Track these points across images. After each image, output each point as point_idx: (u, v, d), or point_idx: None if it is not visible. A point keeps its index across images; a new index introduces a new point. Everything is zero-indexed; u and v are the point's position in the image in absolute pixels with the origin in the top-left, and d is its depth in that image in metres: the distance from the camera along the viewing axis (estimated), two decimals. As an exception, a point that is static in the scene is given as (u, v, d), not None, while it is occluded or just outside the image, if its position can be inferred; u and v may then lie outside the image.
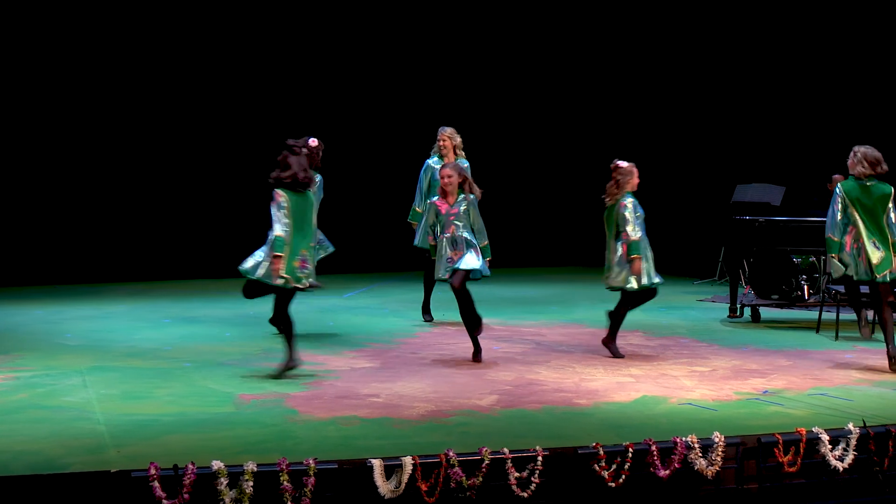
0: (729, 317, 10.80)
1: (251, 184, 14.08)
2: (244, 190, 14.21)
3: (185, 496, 5.34)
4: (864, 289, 8.63)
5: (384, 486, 5.62)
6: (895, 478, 6.38)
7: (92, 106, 13.57)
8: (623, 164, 8.64)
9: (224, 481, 5.40)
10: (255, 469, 5.45)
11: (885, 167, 8.41)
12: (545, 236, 15.37)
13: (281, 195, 7.82)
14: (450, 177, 8.53)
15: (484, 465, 5.73)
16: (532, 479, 5.80)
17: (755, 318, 10.78)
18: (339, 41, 14.48)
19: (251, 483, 5.42)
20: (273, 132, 14.15)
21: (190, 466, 5.40)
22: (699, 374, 8.04)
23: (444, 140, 10.12)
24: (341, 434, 6.27)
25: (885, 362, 8.34)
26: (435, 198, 8.67)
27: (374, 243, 14.97)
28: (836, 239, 8.37)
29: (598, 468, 5.89)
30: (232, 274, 13.89)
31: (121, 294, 12.29)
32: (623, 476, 5.91)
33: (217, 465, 5.43)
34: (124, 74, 13.64)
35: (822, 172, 12.95)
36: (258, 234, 14.10)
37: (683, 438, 6.04)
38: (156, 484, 5.33)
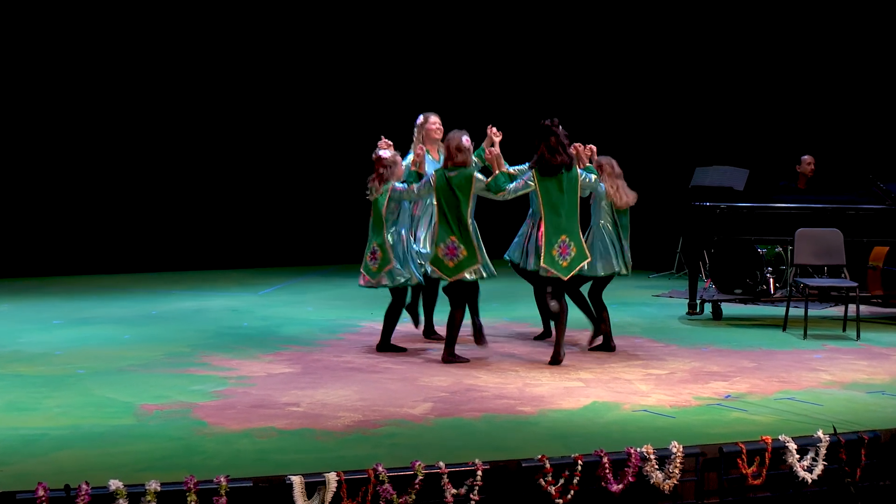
0: (688, 314, 10.93)
1: (148, 174, 14.19)
2: (141, 180, 14.19)
3: (79, 520, 5.28)
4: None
5: (305, 506, 5.61)
6: (868, 489, 6.50)
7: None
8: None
9: (123, 502, 5.35)
10: (159, 488, 5.41)
11: None
12: (482, 226, 15.46)
13: None
14: None
15: (417, 480, 5.74)
16: (471, 495, 5.83)
17: (716, 315, 10.92)
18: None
19: (154, 504, 5.38)
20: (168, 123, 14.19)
21: (84, 486, 5.34)
22: (655, 378, 8.13)
23: None
24: (256, 448, 6.24)
25: (857, 363, 8.52)
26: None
27: (293, 234, 14.94)
28: None
29: (543, 483, 5.93)
30: (130, 269, 13.93)
31: (3, 292, 12.10)
32: (571, 491, 5.95)
33: (115, 484, 5.38)
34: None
35: (790, 154, 13.15)
36: (157, 225, 14.15)
37: (638, 449, 6.10)
38: (45, 507, 5.26)
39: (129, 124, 14.22)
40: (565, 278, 8.61)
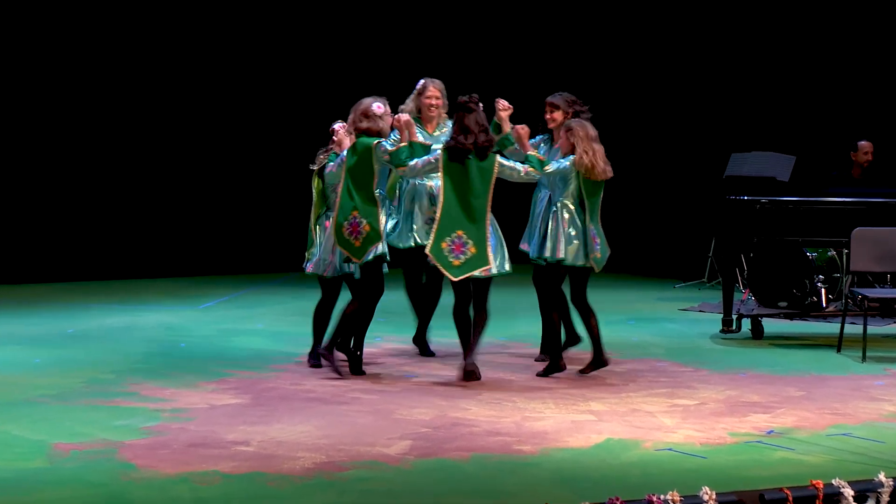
0: (722, 331, 10.94)
1: (63, 168, 14.29)
2: (54, 175, 14.27)
3: (-22, 584, 5.26)
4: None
5: (255, 567, 5.60)
6: (940, 545, 6.51)
7: None
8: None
9: (33, 563, 5.33)
10: (77, 546, 5.39)
11: None
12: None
13: None
14: None
15: (392, 535, 5.74)
16: (458, 553, 5.83)
17: (756, 333, 10.93)
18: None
19: (71, 565, 5.36)
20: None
21: (-15, 543, 5.31)
22: (682, 410, 8.13)
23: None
24: (196, 496, 6.23)
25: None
26: None
27: (240, 238, 14.95)
28: None
29: (547, 537, 5.92)
30: (42, 278, 13.87)
31: None
32: (581, 548, 5.95)
33: (23, 540, 5.36)
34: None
35: (844, 139, 13.19)
36: (76, 227, 14.14)
37: (662, 496, 6.09)
38: (-64, 568, 5.24)
39: (46, 120, 14.33)
40: (454, 279, 8.78)
